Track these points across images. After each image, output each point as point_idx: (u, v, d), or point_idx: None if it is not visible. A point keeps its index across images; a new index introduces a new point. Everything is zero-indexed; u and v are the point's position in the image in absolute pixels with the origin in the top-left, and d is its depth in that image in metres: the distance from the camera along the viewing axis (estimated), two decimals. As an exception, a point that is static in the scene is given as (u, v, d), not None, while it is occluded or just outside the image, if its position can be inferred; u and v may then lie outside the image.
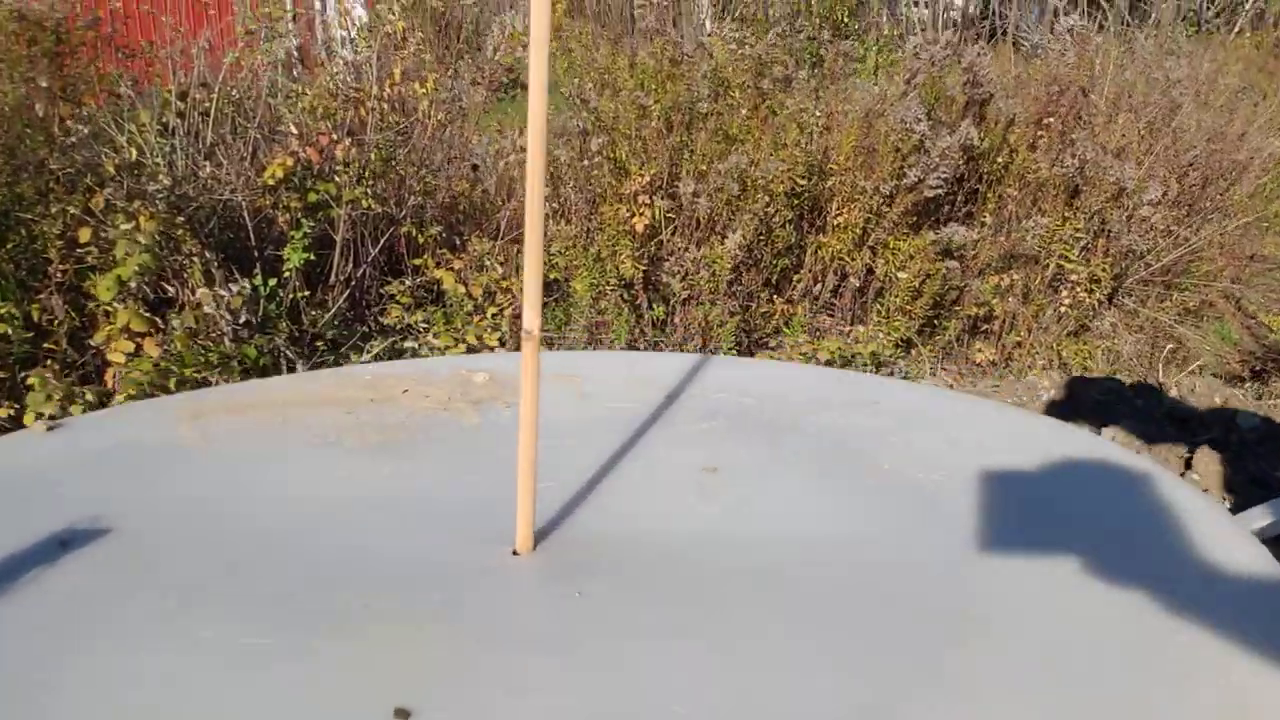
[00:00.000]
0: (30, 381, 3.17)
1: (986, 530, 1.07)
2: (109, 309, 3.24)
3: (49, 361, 3.47)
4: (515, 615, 0.87)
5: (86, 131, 3.36)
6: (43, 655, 0.76)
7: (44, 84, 3.07)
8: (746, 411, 1.36)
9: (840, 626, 0.89)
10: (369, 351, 4.15)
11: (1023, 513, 1.15)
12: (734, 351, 4.57)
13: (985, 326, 5.58)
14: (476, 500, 1.07)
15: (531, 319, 0.89)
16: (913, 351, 5.26)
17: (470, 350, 4.18)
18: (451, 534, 1.00)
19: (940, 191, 4.60)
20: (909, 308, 4.92)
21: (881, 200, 4.89)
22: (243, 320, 3.61)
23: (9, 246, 3.52)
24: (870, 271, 5.10)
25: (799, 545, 1.02)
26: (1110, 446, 1.39)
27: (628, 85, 4.81)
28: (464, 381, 1.39)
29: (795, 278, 5.13)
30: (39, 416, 3.04)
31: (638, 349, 4.58)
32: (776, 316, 4.95)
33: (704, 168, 4.83)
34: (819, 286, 5.10)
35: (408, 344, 4.25)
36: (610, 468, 1.20)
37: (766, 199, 4.68)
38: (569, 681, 0.77)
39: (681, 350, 4.57)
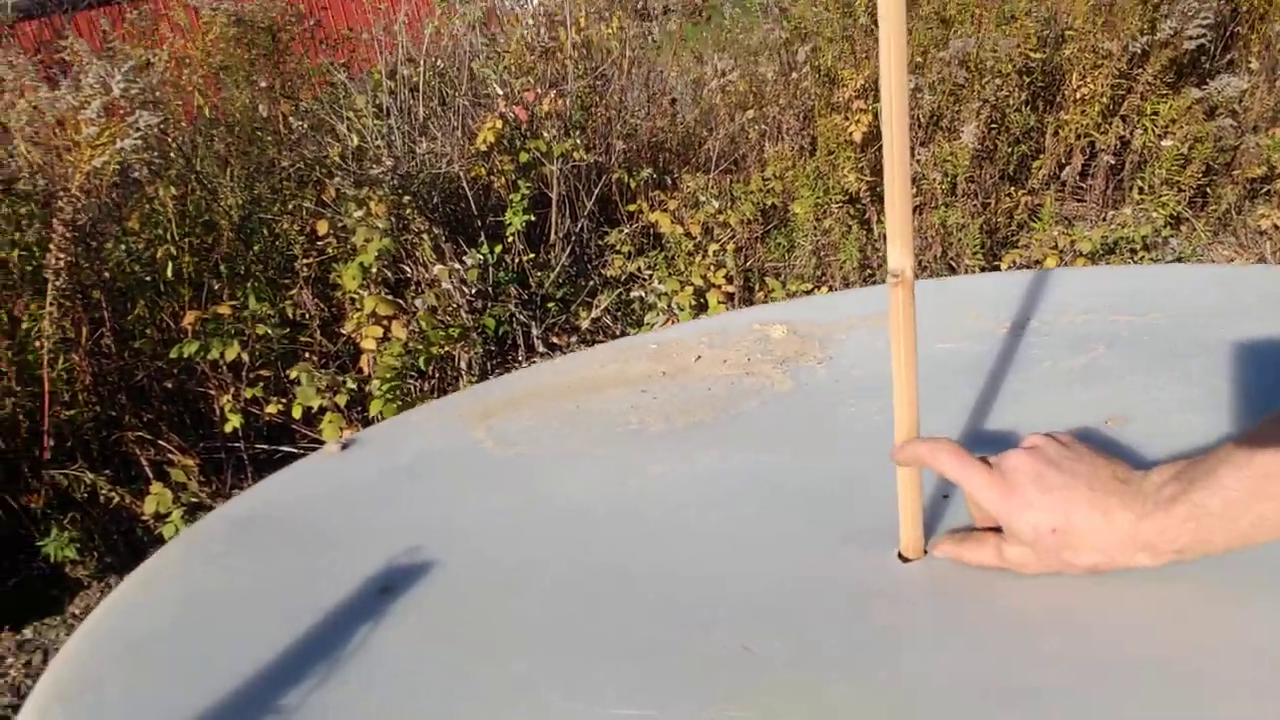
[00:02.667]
0: (294, 375, 3.29)
1: None
2: (355, 296, 3.30)
3: (307, 354, 3.59)
4: (931, 657, 0.69)
5: (307, 126, 3.41)
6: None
7: (264, 84, 3.12)
8: (1123, 335, 1.11)
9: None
10: (598, 306, 4.08)
11: None
12: (979, 256, 4.20)
13: (1266, 188, 4.90)
14: (823, 488, 0.90)
15: (900, 256, 0.70)
16: (1183, 228, 4.69)
17: (698, 291, 4.03)
18: (811, 538, 0.84)
19: (1204, 40, 4.01)
20: (1177, 179, 4.37)
21: (1130, 61, 4.34)
22: (475, 291, 3.61)
23: (255, 249, 3.65)
24: (1125, 144, 4.56)
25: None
26: None
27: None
28: (760, 338, 1.22)
29: (1035, 164, 4.66)
30: (310, 410, 3.14)
31: (870, 269, 4.29)
32: (1019, 210, 4.52)
33: (920, 59, 4.43)
34: (1065, 170, 4.61)
35: (634, 294, 4.15)
36: (978, 423, 0.99)
37: (997, 82, 4.24)
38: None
39: (920, 263, 4.24)
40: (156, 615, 0.82)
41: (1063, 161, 4.62)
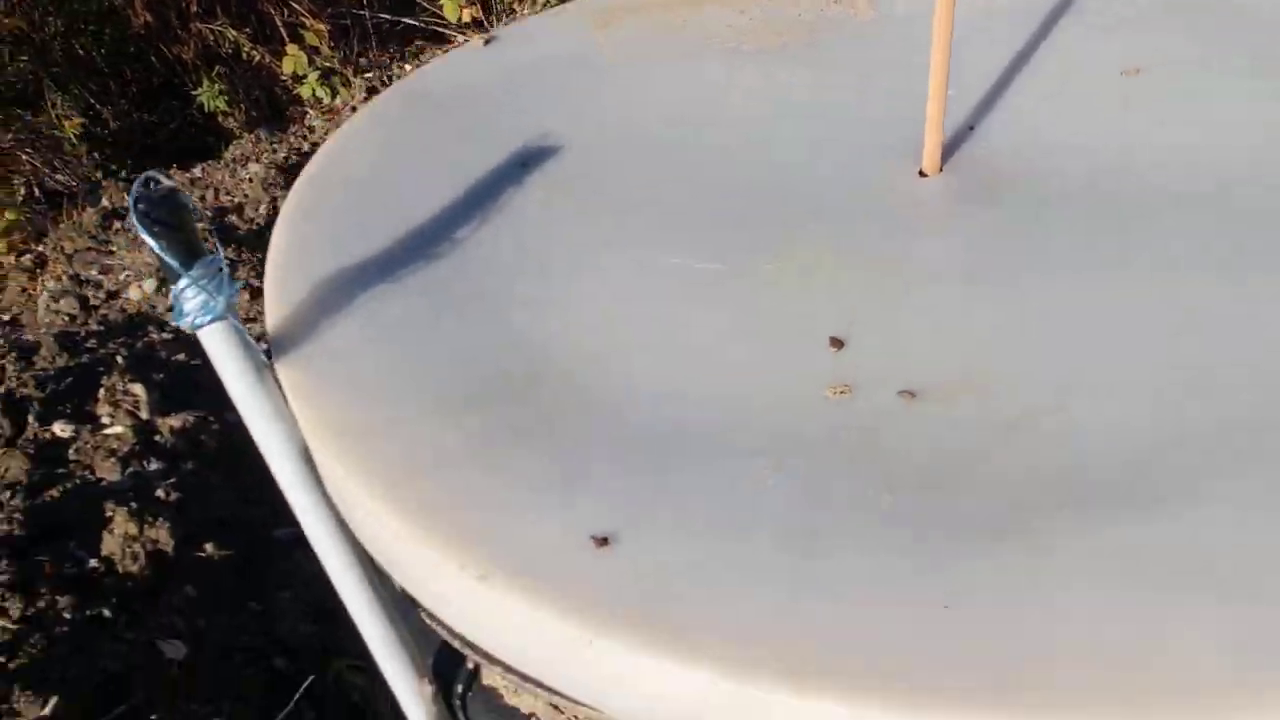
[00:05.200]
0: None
1: None
2: None
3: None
4: (923, 246, 0.93)
5: None
6: (519, 273, 0.94)
7: None
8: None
9: None
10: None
11: None
12: None
13: None
14: (881, 111, 1.10)
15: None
16: None
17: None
18: (862, 152, 1.05)
19: None
20: None
21: None
22: None
23: None
24: None
25: (1246, 163, 0.97)
26: None
27: None
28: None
29: None
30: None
31: None
32: None
33: None
34: None
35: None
36: (1017, 69, 1.15)
37: None
38: (985, 314, 0.85)
39: None
40: (358, 165, 1.10)
41: None
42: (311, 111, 3.34)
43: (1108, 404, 0.76)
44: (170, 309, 0.76)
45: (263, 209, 2.35)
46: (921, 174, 1.01)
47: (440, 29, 3.68)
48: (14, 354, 1.65)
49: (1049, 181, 0.97)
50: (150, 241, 0.77)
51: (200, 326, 0.81)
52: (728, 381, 0.81)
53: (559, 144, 1.11)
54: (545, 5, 3.35)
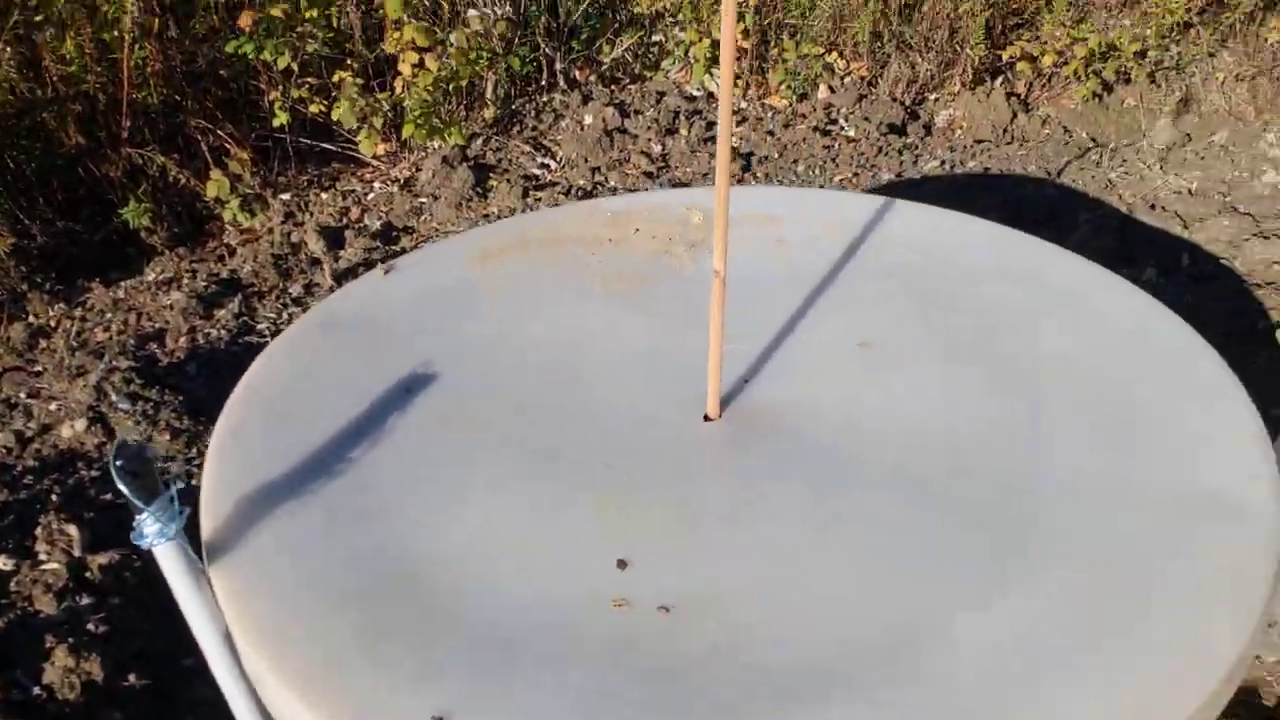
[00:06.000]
0: (340, 78, 3.70)
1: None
2: (398, 19, 3.64)
3: (349, 61, 3.96)
4: (698, 486, 1.28)
5: None
6: (398, 490, 1.25)
7: None
8: (915, 274, 1.61)
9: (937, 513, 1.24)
10: (620, 45, 4.37)
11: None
12: (982, 46, 4.43)
13: (1285, 2, 4.99)
14: (686, 358, 1.45)
15: (718, 261, 1.20)
16: (1190, 33, 4.85)
17: (715, 44, 4.31)
18: (665, 396, 1.40)
19: None
20: (1191, -12, 4.48)
21: None
22: (505, 20, 3.92)
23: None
24: (1154, -56, 4.61)
25: (929, 439, 1.33)
26: None
27: None
28: (683, 222, 1.71)
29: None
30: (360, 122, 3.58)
31: (880, 35, 4.52)
32: (1037, -1, 4.66)
33: None
34: (1091, -37, 4.69)
35: (655, 38, 4.43)
36: (790, 330, 1.52)
37: None
38: (733, 546, 1.19)
39: (927, 44, 4.47)
40: (273, 391, 1.41)
41: (1092, -47, 4.70)
42: (230, 229, 3.61)
43: (806, 622, 1.11)
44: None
45: (183, 340, 2.61)
46: (706, 418, 1.36)
47: (355, 155, 3.99)
48: (-47, 489, 1.90)
49: (796, 436, 1.34)
50: (123, 488, 1.07)
51: (155, 546, 1.10)
52: (547, 592, 1.14)
53: (437, 370, 1.44)
54: (441, 157, 3.70)
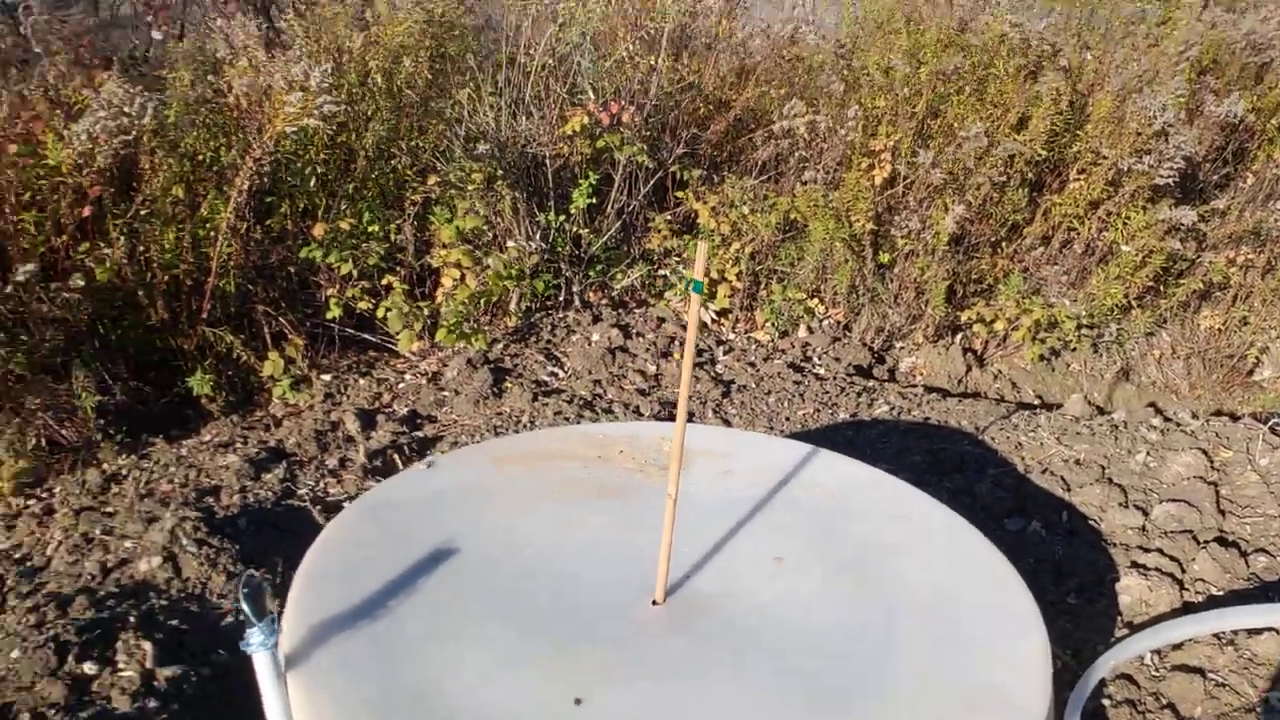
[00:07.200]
0: (388, 282, 4.35)
1: None
2: (446, 242, 4.33)
3: (398, 268, 4.62)
4: (642, 654, 1.76)
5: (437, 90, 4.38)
6: (427, 660, 1.73)
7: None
8: (819, 511, 2.14)
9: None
10: (631, 275, 5.07)
11: None
12: (943, 308, 5.11)
13: (1217, 294, 5.71)
14: (644, 555, 1.95)
15: (671, 487, 1.72)
16: (1131, 314, 5.54)
17: (713, 282, 5.00)
18: (626, 583, 1.89)
19: (1171, 181, 4.79)
20: (1129, 278, 5.20)
21: (1119, 173, 5.12)
22: (537, 249, 4.61)
23: (375, 175, 4.65)
24: (1100, 232, 5.37)
25: (809, 627, 1.82)
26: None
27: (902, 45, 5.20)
28: (657, 449, 2.25)
29: (1026, 231, 5.49)
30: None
31: (856, 289, 5.21)
32: (995, 270, 5.39)
33: (954, 124, 5.21)
34: (1044, 249, 5.44)
35: (661, 272, 5.13)
36: (725, 542, 2.03)
37: (1002, 165, 5.05)
38: (659, 700, 1.66)
39: (896, 300, 5.17)
40: (330, 568, 1.90)
41: (1046, 239, 5.46)
42: (277, 402, 4.17)
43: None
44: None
45: (235, 498, 3.10)
46: (654, 602, 1.84)
47: (392, 347, 4.60)
48: (54, 604, 2.35)
49: (718, 617, 1.82)
50: (244, 606, 1.56)
51: (258, 653, 1.58)
52: (519, 714, 1.59)
53: (459, 546, 1.93)
54: (466, 358, 4.31)
